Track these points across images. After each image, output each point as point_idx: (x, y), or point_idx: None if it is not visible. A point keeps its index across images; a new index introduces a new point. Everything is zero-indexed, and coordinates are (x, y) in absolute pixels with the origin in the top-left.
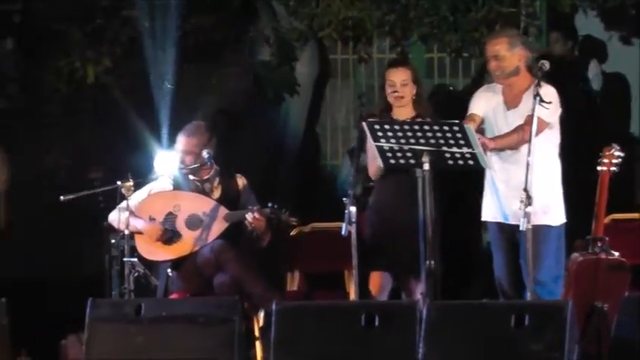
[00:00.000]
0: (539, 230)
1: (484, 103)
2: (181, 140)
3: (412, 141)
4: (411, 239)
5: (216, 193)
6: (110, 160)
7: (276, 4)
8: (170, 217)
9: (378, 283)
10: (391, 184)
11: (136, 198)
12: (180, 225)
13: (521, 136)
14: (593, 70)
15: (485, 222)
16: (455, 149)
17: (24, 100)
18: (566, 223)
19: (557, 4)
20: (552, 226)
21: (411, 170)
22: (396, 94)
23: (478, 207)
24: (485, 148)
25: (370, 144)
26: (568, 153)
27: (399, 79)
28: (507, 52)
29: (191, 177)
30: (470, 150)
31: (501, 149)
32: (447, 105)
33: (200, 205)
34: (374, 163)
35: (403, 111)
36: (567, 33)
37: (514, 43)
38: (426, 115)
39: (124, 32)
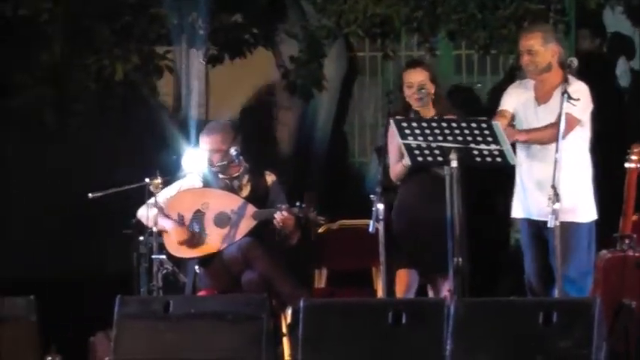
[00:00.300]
0: (569, 227)
1: (515, 99)
2: (205, 139)
3: (440, 138)
4: (434, 239)
5: (245, 191)
6: (138, 157)
7: (305, 2)
8: (198, 214)
9: (405, 281)
10: (414, 185)
11: (165, 194)
12: (209, 222)
13: (554, 132)
14: (622, 67)
15: (515, 220)
16: (483, 146)
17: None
18: (597, 220)
19: (584, 0)
20: (582, 223)
21: (432, 170)
22: (415, 95)
23: (506, 205)
24: (516, 140)
25: (391, 146)
26: (596, 150)
27: (417, 81)
28: (541, 47)
29: (220, 175)
30: (498, 147)
31: (532, 143)
32: (464, 104)
33: (228, 202)
34: (396, 167)
35: (423, 111)
36: (596, 30)
37: (548, 39)
38: (446, 112)
39: (152, 30)
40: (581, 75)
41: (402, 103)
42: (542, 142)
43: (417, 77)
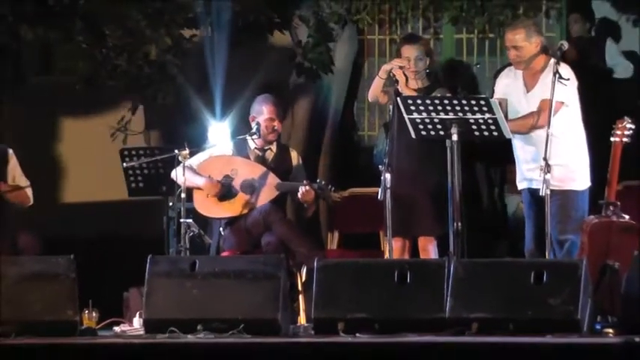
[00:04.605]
0: (569, 195)
1: (505, 88)
2: (267, 108)
3: (442, 114)
4: (426, 203)
5: (272, 163)
6: (168, 130)
7: None
8: (227, 179)
9: (397, 248)
10: (404, 151)
11: (197, 159)
12: (235, 188)
13: (533, 121)
14: (611, 49)
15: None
16: (478, 115)
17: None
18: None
19: None
20: (578, 191)
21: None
22: (412, 68)
23: (504, 178)
24: None
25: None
26: (587, 125)
27: (414, 55)
28: (525, 42)
29: (252, 146)
30: (492, 115)
31: (515, 132)
32: (457, 78)
33: (255, 171)
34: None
35: (416, 82)
36: (586, 15)
37: (530, 33)
38: (437, 86)
39: (180, 15)
40: (572, 55)
41: (394, 75)
42: (521, 132)
43: (413, 52)
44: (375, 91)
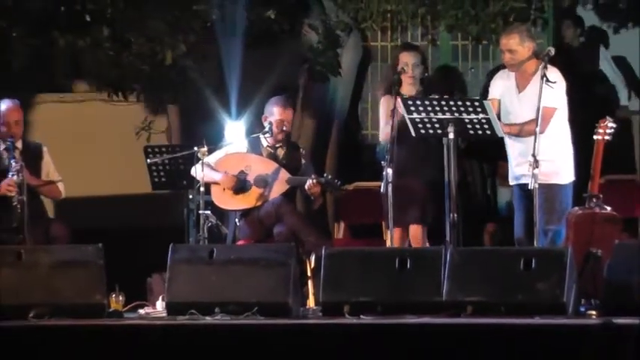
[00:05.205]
0: (553, 188)
1: (500, 89)
2: (278, 110)
3: (440, 114)
4: (420, 195)
5: (282, 159)
6: (188, 129)
7: (326, 0)
8: (242, 174)
9: (398, 237)
10: (407, 149)
11: (215, 156)
12: (250, 182)
13: (530, 128)
14: (603, 54)
15: (508, 184)
16: (473, 116)
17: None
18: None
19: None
20: (563, 184)
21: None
22: (409, 74)
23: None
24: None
25: (382, 110)
26: (575, 123)
27: (412, 61)
28: (519, 46)
29: (265, 143)
30: (485, 116)
31: (510, 135)
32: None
33: (268, 167)
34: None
35: (411, 88)
36: (577, 22)
37: (524, 38)
38: (430, 92)
39: (196, 23)
40: (562, 60)
41: (389, 81)
42: (519, 136)
43: (411, 59)
44: (384, 131)
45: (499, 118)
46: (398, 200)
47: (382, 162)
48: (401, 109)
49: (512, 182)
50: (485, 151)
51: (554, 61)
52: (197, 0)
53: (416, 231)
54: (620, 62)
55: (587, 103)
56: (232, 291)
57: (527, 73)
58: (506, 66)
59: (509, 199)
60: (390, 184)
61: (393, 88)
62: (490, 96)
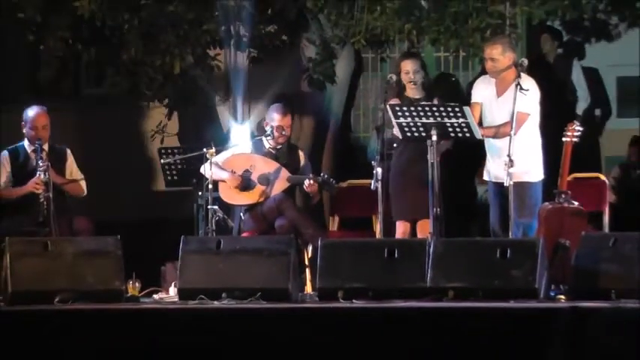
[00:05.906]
0: (524, 185)
1: (481, 93)
2: (278, 117)
3: (424, 119)
4: (420, 192)
5: (283, 160)
6: (198, 132)
7: (322, 17)
8: (247, 173)
9: (402, 229)
10: (405, 152)
11: (222, 156)
12: (254, 180)
13: (505, 130)
14: (576, 66)
15: (485, 181)
16: (453, 120)
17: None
18: (544, 179)
19: (531, 16)
20: (533, 182)
21: (419, 143)
22: (410, 79)
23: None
24: None
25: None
26: (549, 127)
27: (412, 68)
28: (501, 56)
29: (267, 145)
30: (465, 120)
31: (487, 137)
32: (447, 88)
33: (270, 167)
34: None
35: (415, 92)
36: (555, 35)
37: (506, 48)
38: (431, 96)
39: (204, 38)
40: (538, 70)
41: (397, 87)
42: (495, 137)
43: (411, 65)
44: None
45: (481, 120)
46: (406, 195)
47: (372, 162)
48: (389, 114)
49: (487, 178)
50: (465, 151)
51: (532, 71)
52: (207, 20)
53: (425, 225)
54: (592, 73)
55: (559, 109)
56: (238, 278)
57: (506, 81)
58: (488, 73)
59: (483, 195)
60: (380, 182)
61: (400, 92)
62: (473, 99)
